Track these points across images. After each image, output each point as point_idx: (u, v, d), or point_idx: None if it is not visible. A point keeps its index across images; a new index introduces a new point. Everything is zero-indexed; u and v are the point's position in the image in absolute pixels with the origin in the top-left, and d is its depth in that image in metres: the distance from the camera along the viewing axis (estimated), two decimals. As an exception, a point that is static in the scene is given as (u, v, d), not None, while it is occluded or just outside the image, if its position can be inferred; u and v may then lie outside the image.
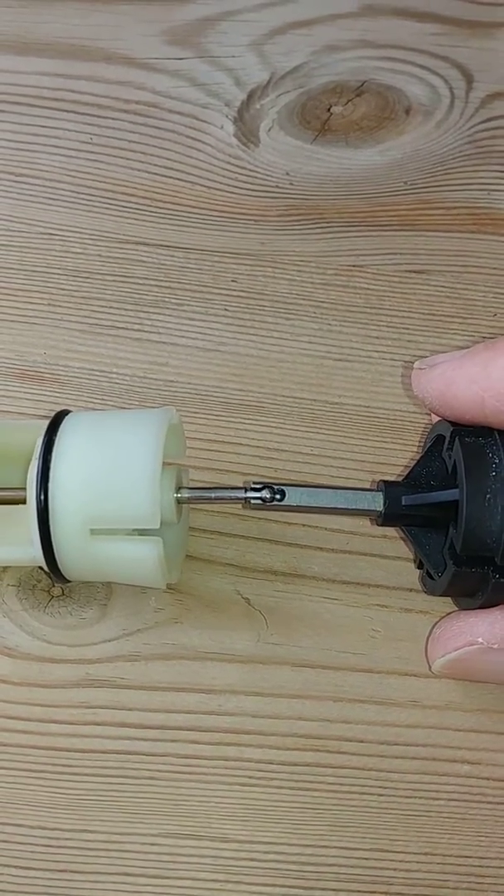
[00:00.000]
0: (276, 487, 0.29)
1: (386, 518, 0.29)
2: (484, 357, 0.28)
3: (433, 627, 0.30)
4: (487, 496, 0.27)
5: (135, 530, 0.28)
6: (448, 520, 0.29)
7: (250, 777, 0.30)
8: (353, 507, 0.29)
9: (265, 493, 0.29)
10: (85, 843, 0.30)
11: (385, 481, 0.30)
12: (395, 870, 0.30)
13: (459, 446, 0.28)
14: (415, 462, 0.30)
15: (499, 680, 0.30)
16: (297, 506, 0.29)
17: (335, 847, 0.30)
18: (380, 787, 0.30)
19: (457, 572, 0.28)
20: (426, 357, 0.30)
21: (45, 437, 0.28)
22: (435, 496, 0.29)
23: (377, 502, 0.29)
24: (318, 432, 0.35)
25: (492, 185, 0.40)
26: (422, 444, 0.34)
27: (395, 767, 0.31)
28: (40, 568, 0.30)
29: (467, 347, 0.30)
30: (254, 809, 0.30)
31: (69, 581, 0.30)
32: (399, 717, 0.31)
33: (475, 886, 0.29)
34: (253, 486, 0.29)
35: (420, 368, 0.30)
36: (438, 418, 0.30)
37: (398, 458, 0.35)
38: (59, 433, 0.28)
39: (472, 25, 0.43)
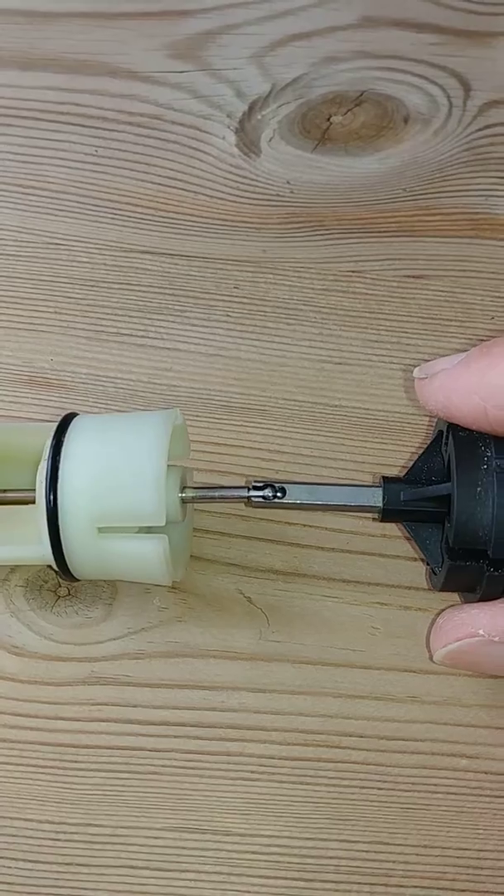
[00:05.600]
0: (277, 485, 0.30)
1: (385, 513, 0.30)
2: (481, 366, 0.28)
3: (436, 617, 0.31)
4: (478, 489, 0.27)
5: (141, 528, 0.29)
6: (445, 514, 0.29)
7: (252, 772, 0.31)
8: (353, 502, 0.30)
9: (267, 492, 0.30)
10: (90, 837, 0.30)
11: (385, 477, 0.30)
12: (394, 862, 0.30)
13: (452, 440, 0.28)
14: (416, 458, 0.31)
15: (499, 672, 0.30)
16: (298, 503, 0.30)
17: (336, 840, 0.30)
18: (379, 781, 0.31)
19: (452, 566, 0.28)
20: (425, 362, 0.31)
21: (53, 438, 0.29)
22: (431, 490, 0.29)
23: (376, 498, 0.30)
24: (318, 435, 0.36)
25: (489, 191, 0.40)
26: (422, 445, 0.35)
27: (395, 762, 0.31)
28: (49, 567, 0.31)
29: (465, 350, 0.30)
30: (256, 803, 0.31)
31: (77, 580, 0.31)
32: (398, 712, 0.32)
33: (473, 878, 0.30)
34: (255, 484, 0.30)
35: (421, 378, 0.30)
36: None
37: (397, 460, 0.35)
38: (67, 435, 0.29)
39: (469, 35, 0.44)
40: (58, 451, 0.29)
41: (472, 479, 0.28)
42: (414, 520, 0.30)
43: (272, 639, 0.33)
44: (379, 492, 0.30)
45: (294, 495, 0.30)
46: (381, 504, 0.30)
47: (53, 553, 0.29)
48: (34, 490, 0.29)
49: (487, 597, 0.29)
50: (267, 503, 0.30)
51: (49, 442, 0.29)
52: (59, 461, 0.29)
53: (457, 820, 0.31)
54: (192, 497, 0.31)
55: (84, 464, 0.29)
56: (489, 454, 0.28)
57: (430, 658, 0.30)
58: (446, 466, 0.30)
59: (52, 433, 0.29)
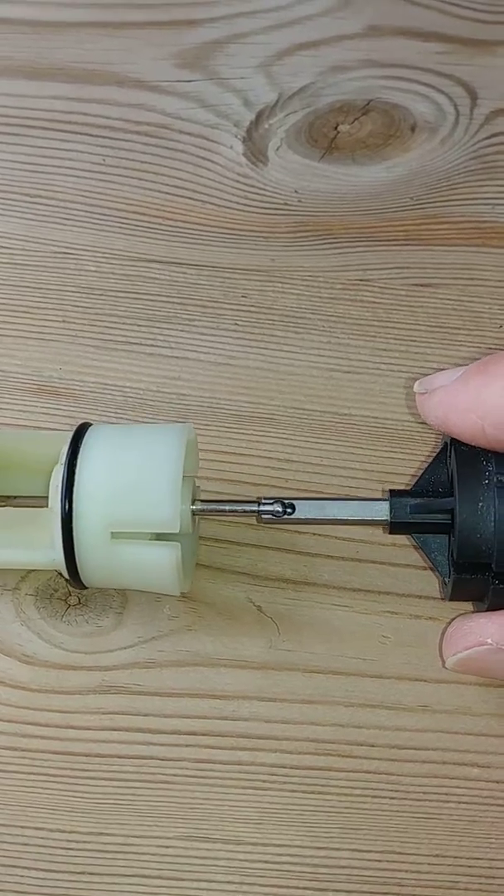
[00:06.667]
0: (286, 501, 0.30)
1: (393, 527, 0.30)
2: (477, 384, 0.29)
3: (447, 625, 0.31)
4: (480, 503, 0.28)
5: (154, 535, 0.29)
6: (450, 526, 0.29)
7: (263, 781, 0.31)
8: (361, 517, 0.30)
9: (276, 507, 0.30)
10: (102, 845, 0.30)
11: (392, 490, 0.30)
12: (406, 871, 0.30)
13: (454, 455, 0.29)
14: (423, 468, 0.31)
15: None
16: (307, 518, 0.30)
17: (347, 849, 0.30)
18: (391, 790, 0.31)
19: (457, 579, 0.29)
20: (426, 375, 0.31)
21: (70, 445, 0.29)
22: (437, 504, 0.29)
23: (384, 511, 0.30)
24: (327, 443, 0.36)
25: (496, 199, 0.41)
26: (431, 453, 0.35)
27: (406, 771, 0.31)
28: (59, 574, 0.31)
29: (473, 360, 0.30)
30: (267, 813, 0.31)
31: (86, 587, 0.31)
32: (409, 721, 0.32)
33: (486, 888, 0.30)
34: (265, 500, 0.30)
35: (421, 393, 0.31)
36: None
37: (406, 468, 0.35)
38: (83, 442, 0.30)
39: (475, 44, 0.44)
40: (74, 456, 0.29)
41: (473, 493, 0.28)
42: (421, 532, 0.31)
43: (282, 648, 0.33)
44: (386, 505, 0.30)
45: (303, 511, 0.30)
46: (388, 517, 0.30)
47: (66, 557, 0.29)
48: (44, 496, 0.30)
49: (494, 607, 0.29)
50: (276, 519, 0.30)
51: (65, 448, 0.29)
52: (75, 465, 0.29)
53: (469, 829, 0.30)
54: (202, 510, 0.31)
55: (100, 468, 0.29)
56: (490, 469, 0.28)
57: (443, 665, 0.30)
58: (450, 479, 0.30)
59: (69, 440, 0.30)
